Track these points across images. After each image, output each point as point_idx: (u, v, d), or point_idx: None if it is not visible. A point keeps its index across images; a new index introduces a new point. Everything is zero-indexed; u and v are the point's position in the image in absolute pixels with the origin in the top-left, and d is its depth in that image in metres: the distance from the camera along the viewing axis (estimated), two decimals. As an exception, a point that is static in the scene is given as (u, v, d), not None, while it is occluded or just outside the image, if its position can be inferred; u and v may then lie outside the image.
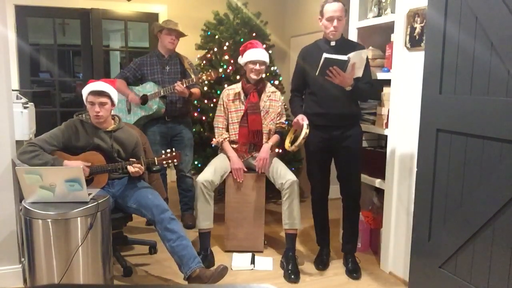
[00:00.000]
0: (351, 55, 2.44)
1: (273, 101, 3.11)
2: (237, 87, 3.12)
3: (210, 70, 3.29)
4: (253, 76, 3.00)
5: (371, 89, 2.71)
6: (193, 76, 3.34)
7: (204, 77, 3.25)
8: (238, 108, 3.08)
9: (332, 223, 3.04)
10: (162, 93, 3.35)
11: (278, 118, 3.14)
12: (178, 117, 3.53)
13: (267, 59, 3.04)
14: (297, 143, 2.64)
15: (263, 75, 3.14)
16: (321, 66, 2.44)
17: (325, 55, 2.42)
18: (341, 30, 2.67)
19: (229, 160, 3.02)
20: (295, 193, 2.85)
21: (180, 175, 3.62)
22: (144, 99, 3.43)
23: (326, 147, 2.74)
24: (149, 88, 3.44)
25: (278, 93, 3.18)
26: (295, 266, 2.77)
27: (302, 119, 2.68)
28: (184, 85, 3.26)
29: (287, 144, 2.81)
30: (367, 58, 2.69)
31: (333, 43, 2.68)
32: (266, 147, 3.01)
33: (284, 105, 3.30)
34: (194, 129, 3.97)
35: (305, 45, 2.89)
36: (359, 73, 2.56)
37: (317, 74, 2.50)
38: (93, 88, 2.49)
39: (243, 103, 3.07)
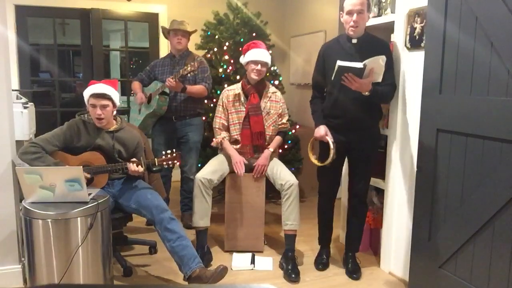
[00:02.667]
0: (367, 61, 2.31)
1: (273, 102, 3.08)
2: (237, 88, 3.09)
3: (194, 62, 3.22)
4: (253, 76, 2.97)
5: (393, 90, 2.60)
6: (189, 69, 3.22)
7: (189, 68, 3.17)
8: (238, 109, 3.05)
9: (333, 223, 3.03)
10: (160, 90, 3.35)
11: (280, 119, 3.11)
12: (185, 118, 3.49)
13: (269, 61, 3.01)
14: (327, 162, 2.63)
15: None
16: (335, 73, 2.34)
17: (338, 62, 2.31)
18: (363, 25, 2.53)
19: (230, 158, 3.00)
20: (294, 194, 2.85)
21: (183, 177, 3.61)
22: (149, 98, 3.45)
23: (341, 149, 2.67)
24: (153, 86, 3.47)
25: (279, 93, 3.14)
26: (295, 266, 2.77)
27: (326, 134, 2.63)
28: (174, 79, 3.18)
29: (311, 157, 2.76)
30: (392, 60, 2.58)
31: (354, 41, 2.55)
32: (266, 153, 2.99)
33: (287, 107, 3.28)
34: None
35: (327, 41, 2.78)
36: (378, 78, 2.42)
37: (332, 79, 2.42)
38: (94, 91, 2.48)
39: (243, 104, 3.04)
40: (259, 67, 2.94)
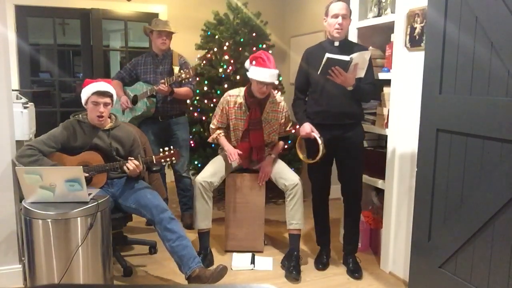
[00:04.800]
0: (353, 55, 2.43)
1: (276, 112, 3.00)
2: (240, 95, 2.95)
3: (189, 68, 3.21)
4: (258, 95, 2.87)
5: (374, 89, 2.70)
6: (176, 73, 3.23)
7: (183, 75, 3.15)
8: (239, 117, 2.98)
9: (332, 223, 3.03)
10: (149, 93, 3.33)
11: (283, 127, 3.08)
12: (172, 117, 3.49)
13: (276, 80, 2.86)
14: (317, 158, 2.64)
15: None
16: (323, 65, 2.44)
17: (327, 55, 2.42)
18: (346, 30, 2.68)
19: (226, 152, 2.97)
20: (299, 193, 2.85)
21: (177, 175, 3.61)
22: (135, 100, 3.43)
23: (327, 147, 2.69)
24: (139, 88, 3.43)
25: (283, 103, 3.03)
26: (298, 265, 2.77)
27: (312, 130, 2.67)
28: (166, 84, 3.18)
29: (300, 155, 2.80)
30: (371, 59, 2.67)
31: (336, 43, 2.67)
32: (270, 160, 2.98)
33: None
34: (194, 129, 3.97)
35: (309, 46, 2.85)
36: (361, 73, 2.55)
37: (318, 72, 2.50)
38: (98, 89, 2.49)
39: (245, 113, 2.96)
40: (265, 88, 2.81)
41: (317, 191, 2.90)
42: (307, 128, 2.69)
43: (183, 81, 3.33)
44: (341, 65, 2.44)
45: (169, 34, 3.45)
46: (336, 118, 2.67)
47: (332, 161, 2.84)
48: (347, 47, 2.65)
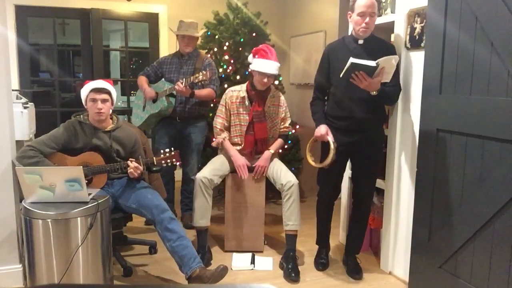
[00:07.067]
0: (380, 60, 2.25)
1: (276, 106, 3.04)
2: (242, 90, 3.03)
3: (207, 70, 3.21)
4: (259, 87, 2.94)
5: (398, 92, 2.57)
6: (194, 75, 3.24)
7: (200, 77, 3.14)
8: (241, 112, 3.02)
9: (332, 223, 3.03)
10: (168, 92, 3.33)
11: (282, 123, 3.09)
12: (189, 119, 3.47)
13: (277, 72, 2.92)
14: (326, 163, 2.57)
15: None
16: (346, 70, 2.28)
17: (351, 59, 2.24)
18: (372, 28, 2.48)
19: (231, 158, 2.98)
20: (295, 194, 2.84)
21: (185, 177, 3.60)
22: (155, 98, 3.44)
23: (345, 151, 2.63)
24: (161, 86, 3.45)
25: (282, 97, 3.10)
26: (295, 266, 2.77)
27: (327, 133, 2.58)
28: (183, 84, 3.17)
29: (309, 158, 2.71)
30: (399, 62, 2.52)
31: (361, 41, 2.51)
32: (267, 155, 2.97)
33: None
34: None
35: (331, 42, 2.73)
36: (387, 78, 2.35)
37: (341, 75, 2.34)
38: (95, 86, 2.51)
39: (247, 108, 3.00)
40: (266, 80, 2.87)
41: (325, 193, 2.81)
42: (322, 129, 2.59)
43: (200, 83, 3.26)
44: (366, 70, 2.27)
45: (192, 37, 3.44)
46: (359, 124, 2.55)
47: (346, 166, 2.79)
48: (371, 45, 2.49)
